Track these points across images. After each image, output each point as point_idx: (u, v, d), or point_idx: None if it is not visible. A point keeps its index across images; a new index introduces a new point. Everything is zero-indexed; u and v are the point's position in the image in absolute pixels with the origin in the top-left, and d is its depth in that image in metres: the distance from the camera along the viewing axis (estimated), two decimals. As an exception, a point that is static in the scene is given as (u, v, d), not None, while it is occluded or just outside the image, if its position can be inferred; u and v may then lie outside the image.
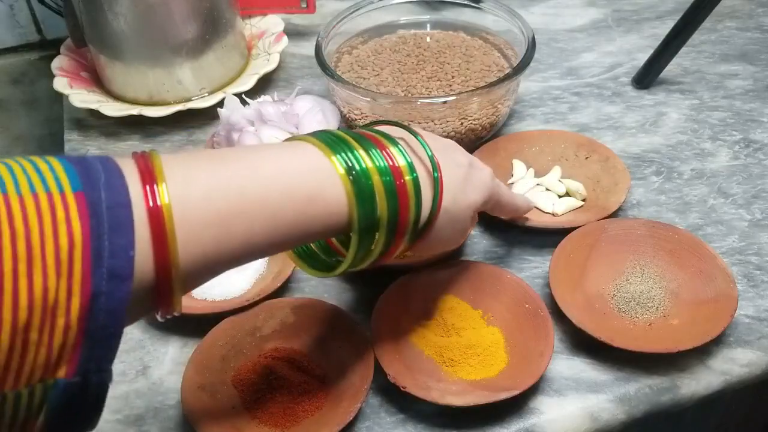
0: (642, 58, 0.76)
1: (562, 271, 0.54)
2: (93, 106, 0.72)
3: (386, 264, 0.56)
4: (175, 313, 0.33)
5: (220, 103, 0.68)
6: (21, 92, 0.89)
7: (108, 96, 0.75)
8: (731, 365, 0.50)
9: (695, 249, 0.55)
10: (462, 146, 0.66)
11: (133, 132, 0.74)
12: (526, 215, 0.58)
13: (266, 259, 0.58)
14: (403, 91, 0.68)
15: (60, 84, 0.74)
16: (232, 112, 0.66)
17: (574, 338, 0.52)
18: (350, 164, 0.37)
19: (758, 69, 0.77)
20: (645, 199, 0.63)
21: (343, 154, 0.38)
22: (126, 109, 0.71)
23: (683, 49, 0.73)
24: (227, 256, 0.34)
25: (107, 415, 0.49)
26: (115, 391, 0.51)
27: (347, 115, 0.68)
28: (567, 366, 0.50)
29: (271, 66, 0.75)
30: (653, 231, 0.56)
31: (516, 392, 0.46)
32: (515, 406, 0.48)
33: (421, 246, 0.43)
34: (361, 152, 0.38)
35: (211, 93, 0.74)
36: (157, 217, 0.30)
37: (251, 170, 0.35)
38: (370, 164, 0.38)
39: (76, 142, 0.73)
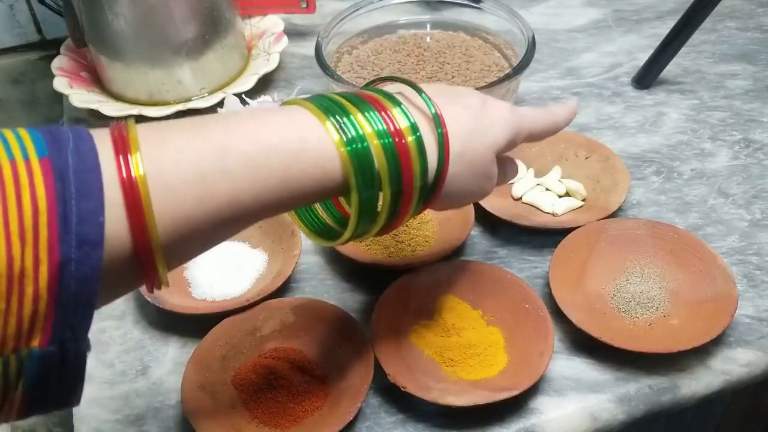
0: (642, 58, 0.76)
1: (562, 271, 0.54)
2: (93, 106, 0.72)
3: (387, 263, 0.56)
4: (163, 286, 0.32)
5: (220, 103, 0.69)
6: (21, 92, 0.89)
7: (108, 96, 0.75)
8: (731, 365, 0.50)
9: (695, 249, 0.55)
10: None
11: (133, 132, 0.74)
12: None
13: (266, 259, 0.58)
14: (403, 91, 0.68)
15: (60, 84, 0.74)
16: (232, 112, 0.66)
17: (574, 338, 0.52)
18: (344, 127, 0.36)
19: (758, 69, 0.77)
20: (645, 199, 0.63)
21: (337, 117, 0.36)
22: (126, 109, 0.71)
23: (683, 49, 0.73)
24: (213, 219, 0.33)
25: (107, 415, 0.49)
26: (115, 391, 0.51)
27: (347, 115, 0.67)
28: (567, 366, 0.50)
29: (271, 66, 0.75)
30: (653, 231, 0.56)
31: (516, 392, 0.46)
32: (515, 406, 0.48)
33: (438, 202, 0.42)
34: (358, 116, 0.37)
35: (211, 93, 0.74)
36: (130, 182, 0.30)
37: (233, 128, 0.34)
38: (367, 128, 0.36)
39: (76, 142, 0.73)
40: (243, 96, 0.69)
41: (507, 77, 0.63)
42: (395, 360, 0.49)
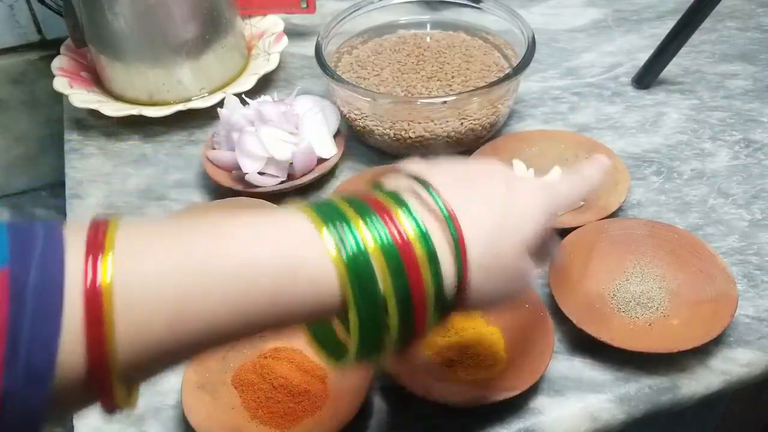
0: (642, 58, 0.76)
1: (562, 271, 0.54)
2: (93, 106, 0.72)
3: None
4: (127, 409, 0.29)
5: (220, 103, 0.68)
6: (21, 92, 0.89)
7: (108, 96, 0.75)
8: (731, 365, 0.50)
9: (695, 249, 0.55)
10: (462, 146, 0.67)
11: (133, 132, 0.74)
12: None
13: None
14: (403, 91, 0.68)
15: (60, 84, 0.74)
16: (232, 112, 0.66)
17: (574, 338, 0.52)
18: (343, 237, 0.32)
19: (758, 69, 0.77)
20: (645, 199, 0.63)
21: (336, 224, 0.32)
22: (126, 109, 0.71)
23: (683, 49, 0.72)
24: (185, 342, 0.29)
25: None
26: (115, 391, 0.51)
27: (347, 115, 0.68)
28: (567, 366, 0.50)
29: (271, 66, 0.75)
30: (653, 231, 0.56)
31: (516, 392, 0.46)
32: (515, 406, 0.48)
33: (463, 313, 0.37)
34: (359, 222, 0.32)
35: (211, 93, 0.74)
36: (93, 299, 0.26)
37: (219, 239, 0.30)
38: (368, 236, 0.32)
39: (76, 142, 0.73)
40: (243, 96, 0.69)
41: (507, 77, 0.63)
42: (395, 360, 0.49)
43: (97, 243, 0.27)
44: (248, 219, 0.32)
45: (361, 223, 0.33)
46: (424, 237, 0.33)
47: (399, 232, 0.33)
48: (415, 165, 0.37)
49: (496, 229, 0.35)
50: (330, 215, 0.33)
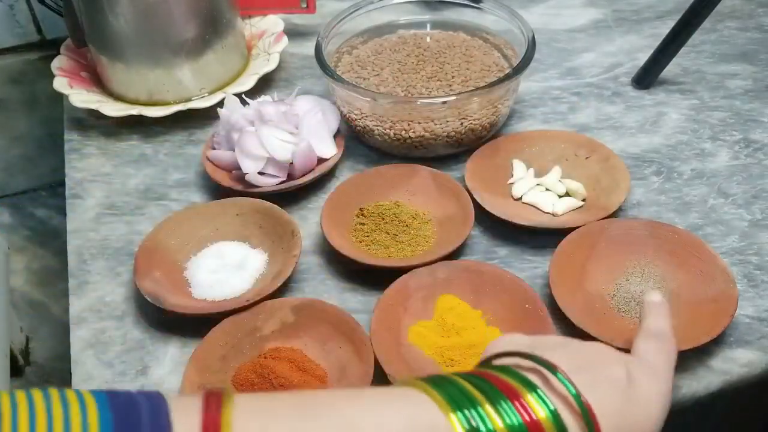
0: (642, 58, 0.76)
1: (562, 271, 0.54)
2: (93, 106, 0.72)
3: (387, 263, 0.56)
4: None
5: (220, 103, 0.69)
6: (21, 92, 0.89)
7: (108, 96, 0.75)
8: (731, 365, 0.50)
9: (695, 249, 0.55)
10: (462, 146, 0.67)
11: (133, 132, 0.74)
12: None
13: (266, 259, 0.58)
14: (403, 91, 0.68)
15: (60, 84, 0.74)
16: (232, 112, 0.66)
17: (575, 338, 0.52)
18: (474, 426, 0.31)
19: (758, 69, 0.77)
20: (645, 199, 0.63)
21: (465, 411, 0.31)
22: (126, 109, 0.71)
23: (683, 49, 0.72)
24: None
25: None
26: (115, 391, 0.51)
27: (347, 115, 0.68)
28: (567, 366, 0.50)
29: (271, 66, 0.75)
30: (653, 231, 0.56)
31: (516, 392, 0.46)
32: (515, 406, 0.48)
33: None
34: (488, 408, 0.31)
35: (211, 93, 0.74)
36: None
37: (342, 426, 0.29)
38: (500, 425, 0.31)
39: (76, 142, 0.73)
40: (243, 96, 0.69)
41: (507, 77, 0.63)
42: (395, 360, 0.49)
43: (212, 425, 0.26)
44: (370, 402, 0.32)
45: (487, 403, 0.32)
46: (556, 421, 0.32)
47: (528, 413, 0.32)
48: (522, 339, 0.37)
49: (620, 417, 0.34)
50: (455, 397, 0.32)
